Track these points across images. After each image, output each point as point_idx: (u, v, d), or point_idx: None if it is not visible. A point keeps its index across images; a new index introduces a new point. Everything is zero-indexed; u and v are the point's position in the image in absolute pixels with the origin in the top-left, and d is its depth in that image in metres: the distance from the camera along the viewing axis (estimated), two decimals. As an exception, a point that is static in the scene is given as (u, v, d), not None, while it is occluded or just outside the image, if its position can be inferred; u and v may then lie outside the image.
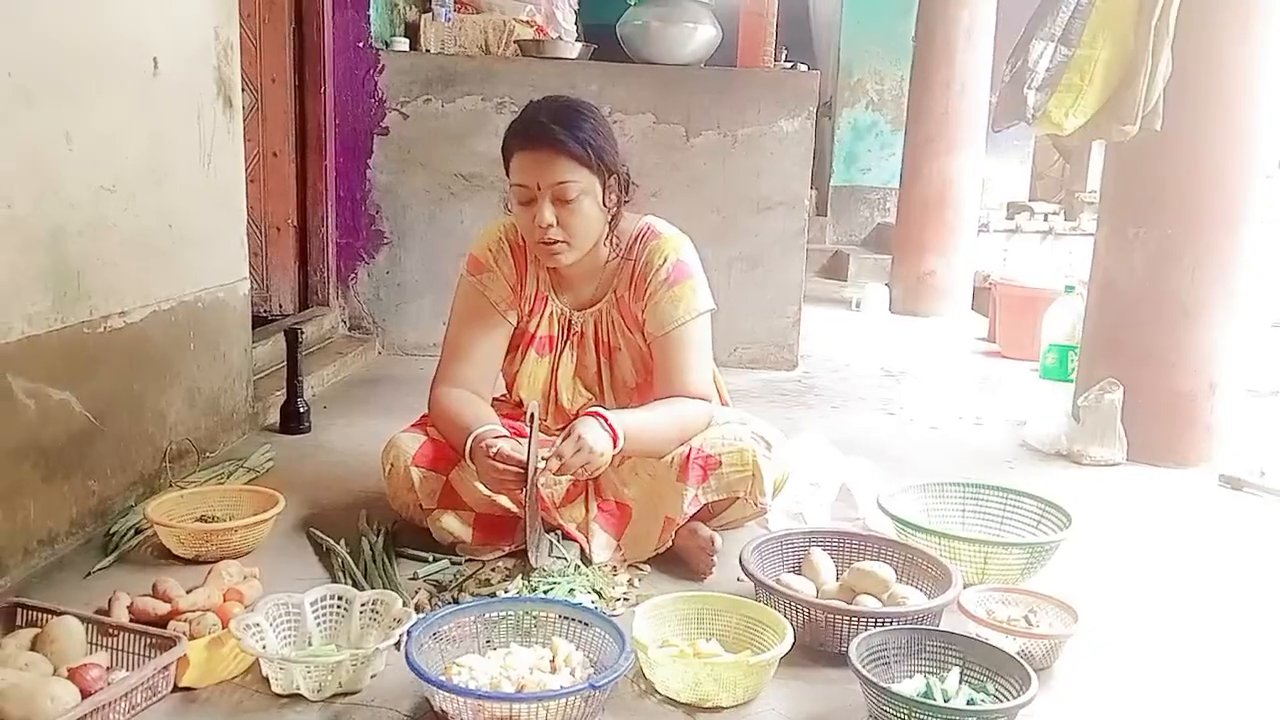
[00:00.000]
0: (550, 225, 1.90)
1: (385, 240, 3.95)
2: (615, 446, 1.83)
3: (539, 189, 1.89)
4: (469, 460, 1.88)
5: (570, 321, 2.11)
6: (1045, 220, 7.53)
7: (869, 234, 8.63)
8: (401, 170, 3.89)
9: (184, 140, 2.42)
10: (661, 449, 1.97)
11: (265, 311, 3.76)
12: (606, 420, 1.84)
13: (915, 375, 4.15)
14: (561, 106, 1.93)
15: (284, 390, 2.90)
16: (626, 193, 2.01)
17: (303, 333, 2.95)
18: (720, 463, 1.96)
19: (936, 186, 5.59)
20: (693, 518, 1.99)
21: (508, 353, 2.12)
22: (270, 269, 3.82)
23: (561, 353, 2.11)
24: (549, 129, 1.88)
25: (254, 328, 2.94)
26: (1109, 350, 2.95)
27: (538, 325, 2.11)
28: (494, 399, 2.16)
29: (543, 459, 1.79)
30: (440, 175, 3.89)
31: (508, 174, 1.96)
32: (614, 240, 2.04)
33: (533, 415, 1.80)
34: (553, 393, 2.13)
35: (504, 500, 1.97)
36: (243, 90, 2.88)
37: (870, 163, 8.76)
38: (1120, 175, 2.92)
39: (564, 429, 2.18)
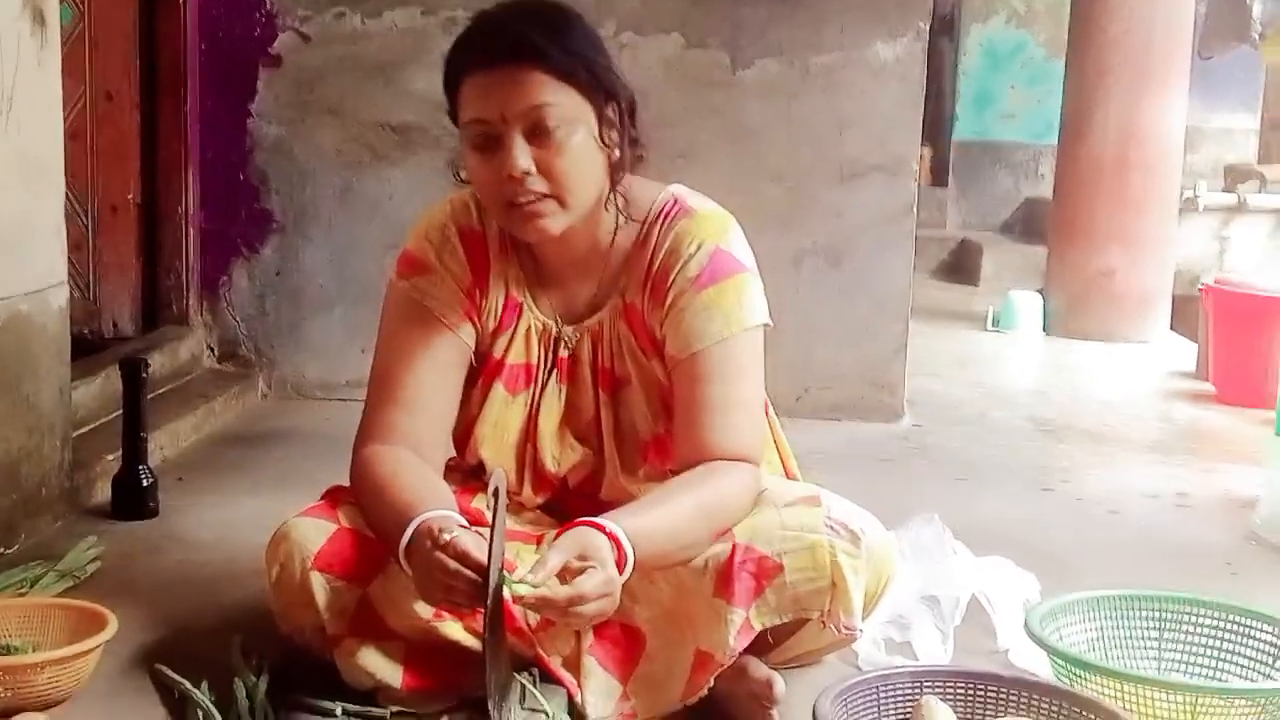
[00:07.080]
0: (527, 172, 1.91)
1: (275, 225, 3.98)
2: (622, 574, 1.82)
3: (504, 121, 1.90)
4: (404, 563, 1.87)
5: (557, 340, 2.12)
6: (1284, 193, 7.54)
7: (1013, 215, 8.64)
8: (300, 120, 3.93)
9: (-28, 76, 2.45)
10: (686, 557, 1.97)
11: (92, 333, 3.78)
12: (609, 535, 1.81)
13: (1085, 430, 4.13)
14: (528, 5, 1.98)
15: (119, 453, 2.91)
16: (634, 124, 2.03)
17: (149, 365, 2.96)
18: (781, 567, 1.94)
19: (1116, 143, 5.60)
20: (744, 651, 1.98)
21: (464, 389, 2.13)
22: (101, 270, 3.84)
23: (544, 389, 2.12)
24: (514, 31, 1.91)
25: (75, 358, 2.95)
26: (1383, 392, 2.95)
27: (507, 348, 2.11)
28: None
29: (526, 569, 1.78)
30: (359, 127, 3.92)
31: (455, 118, 1.98)
32: (620, 204, 2.06)
33: (497, 491, 1.80)
34: (530, 451, 2.13)
35: (452, 628, 1.97)
36: (61, 2, 2.91)
37: (1014, 107, 8.78)
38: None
39: (546, 513, 2.19)
